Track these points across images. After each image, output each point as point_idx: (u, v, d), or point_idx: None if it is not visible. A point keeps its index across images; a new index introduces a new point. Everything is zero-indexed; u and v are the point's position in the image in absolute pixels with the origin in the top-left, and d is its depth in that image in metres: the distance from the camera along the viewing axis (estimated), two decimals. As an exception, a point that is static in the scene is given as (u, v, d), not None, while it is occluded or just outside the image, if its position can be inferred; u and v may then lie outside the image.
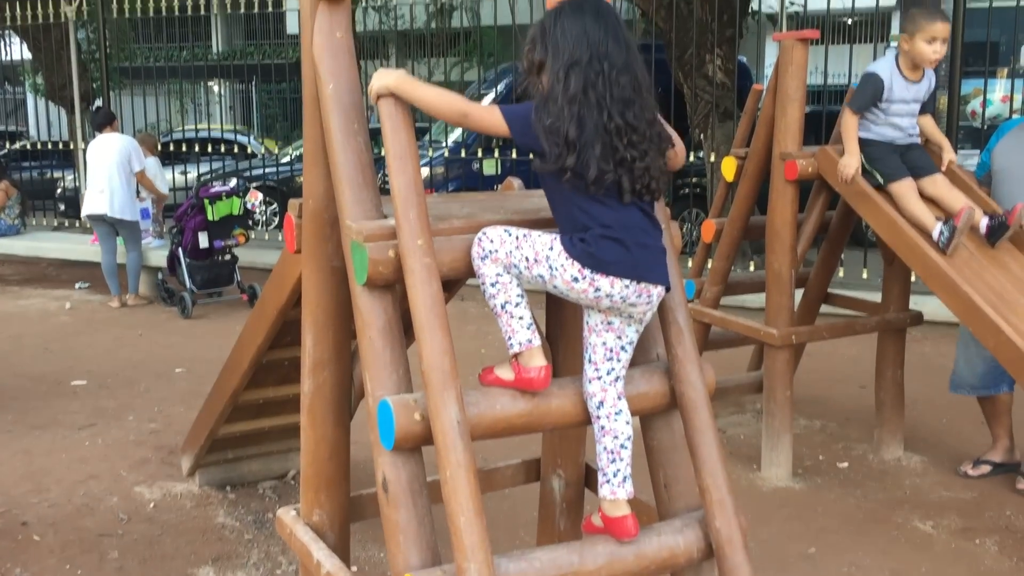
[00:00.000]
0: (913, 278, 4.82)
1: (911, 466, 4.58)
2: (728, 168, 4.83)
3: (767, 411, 4.43)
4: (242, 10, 9.79)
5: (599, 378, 2.27)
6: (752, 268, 8.12)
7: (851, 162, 4.00)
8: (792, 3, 9.25)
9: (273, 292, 3.18)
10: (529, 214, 2.41)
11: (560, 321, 2.75)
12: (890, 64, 3.99)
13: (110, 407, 5.51)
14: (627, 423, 2.26)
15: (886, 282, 4.68)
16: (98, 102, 11.67)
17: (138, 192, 8.51)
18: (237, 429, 4.03)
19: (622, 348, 2.28)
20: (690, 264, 5.44)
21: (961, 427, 5.05)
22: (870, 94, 3.98)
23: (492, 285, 2.23)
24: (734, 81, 9.44)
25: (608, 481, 2.26)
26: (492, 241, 2.23)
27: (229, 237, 8.09)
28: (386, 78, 2.24)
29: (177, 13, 9.99)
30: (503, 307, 2.23)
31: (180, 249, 8.02)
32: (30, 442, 4.95)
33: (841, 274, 7.58)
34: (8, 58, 12.82)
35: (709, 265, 5.17)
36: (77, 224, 11.32)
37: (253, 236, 8.89)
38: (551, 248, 2.19)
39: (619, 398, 2.27)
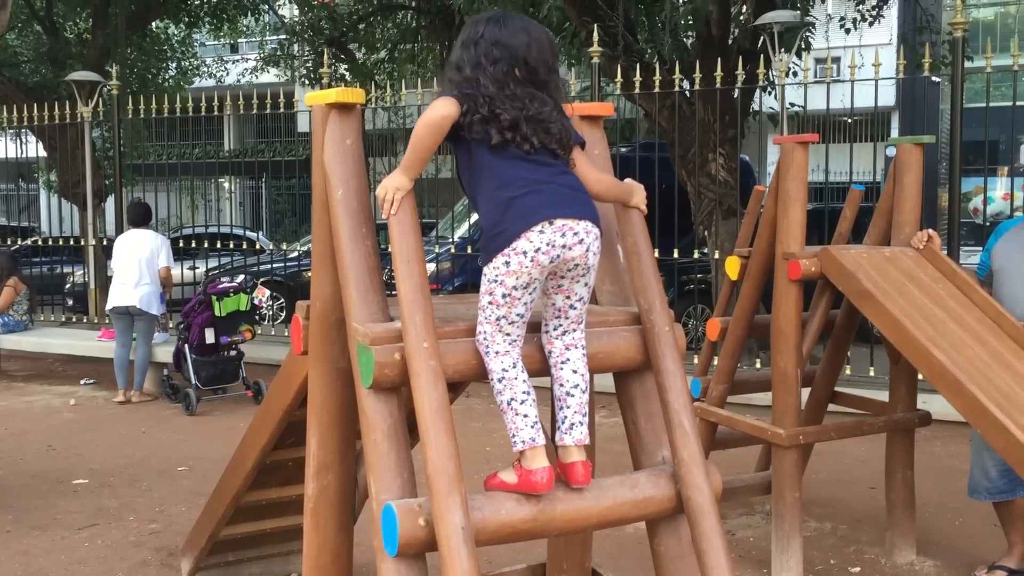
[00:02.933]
0: (920, 376, 4.80)
1: (924, 571, 4.48)
2: (732, 267, 4.87)
3: (776, 513, 4.36)
4: (254, 111, 10.01)
5: (546, 332, 2.41)
6: (759, 365, 8.10)
7: None
8: (792, 104, 9.45)
9: (279, 392, 3.18)
10: (535, 317, 2.43)
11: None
12: None
13: (111, 507, 5.45)
14: (573, 371, 2.36)
15: (893, 381, 4.66)
16: (123, 195, 11.85)
17: None
18: (239, 531, 3.97)
19: (571, 307, 2.38)
20: (695, 362, 5.43)
21: (975, 530, 4.96)
22: None
23: (499, 381, 2.29)
24: (737, 179, 9.59)
25: (559, 428, 2.35)
26: (482, 331, 2.34)
27: (235, 333, 8.12)
28: (395, 180, 2.33)
29: (191, 113, 10.23)
30: (509, 403, 2.27)
31: (186, 345, 8.04)
32: (29, 542, 4.88)
33: (848, 371, 7.54)
34: (24, 156, 13.06)
35: (715, 363, 5.16)
36: (84, 319, 11.39)
37: (259, 332, 8.92)
38: (485, 279, 2.31)
39: (567, 349, 2.38)
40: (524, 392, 2.27)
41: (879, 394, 5.12)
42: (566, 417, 2.34)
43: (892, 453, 4.64)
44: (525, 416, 2.25)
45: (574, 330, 2.39)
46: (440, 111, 2.30)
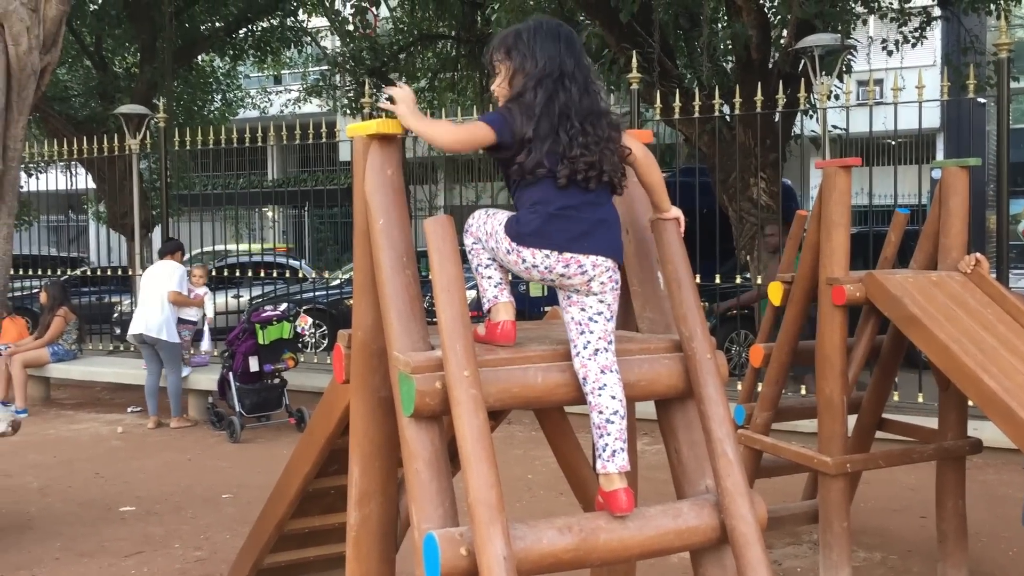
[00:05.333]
0: (970, 403, 4.70)
1: (978, 602, 4.38)
2: (775, 293, 4.82)
3: (824, 543, 4.28)
4: (297, 141, 10.15)
5: (578, 354, 2.40)
6: (803, 392, 7.99)
7: None
8: (834, 127, 9.38)
9: (321, 420, 3.20)
10: (564, 342, 2.42)
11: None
12: None
13: (157, 534, 5.50)
14: (612, 397, 2.35)
15: (942, 408, 4.57)
16: (154, 229, 12.06)
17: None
18: (282, 559, 3.98)
19: (590, 319, 2.42)
20: (739, 388, 5.37)
21: (1029, 560, 4.83)
22: None
23: (469, 252, 2.54)
24: (779, 203, 9.52)
25: (599, 456, 2.35)
26: (474, 218, 2.56)
27: (279, 361, 8.20)
28: (399, 105, 2.48)
29: (236, 145, 10.40)
30: (477, 268, 2.53)
31: (231, 373, 8.12)
32: (78, 569, 4.93)
33: (896, 397, 7.42)
34: (73, 188, 13.35)
35: (758, 390, 5.10)
36: (132, 348, 11.56)
37: (302, 359, 8.99)
38: (500, 224, 2.47)
39: (602, 372, 2.37)
40: (488, 259, 2.50)
41: (927, 421, 5.03)
42: (607, 445, 2.33)
43: (943, 481, 4.54)
44: (489, 278, 2.51)
45: (606, 350, 2.39)
46: (479, 139, 2.44)
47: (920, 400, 7.52)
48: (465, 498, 2.08)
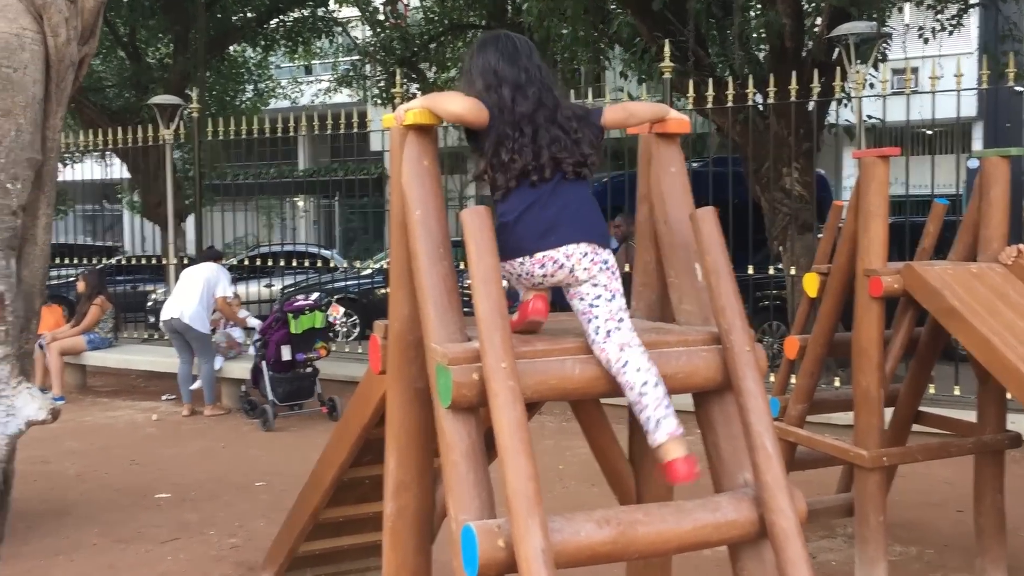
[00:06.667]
0: (1009, 396, 4.64)
1: (1017, 598, 4.32)
2: (811, 284, 4.77)
3: (859, 537, 4.24)
4: (328, 131, 10.18)
5: (593, 341, 2.42)
6: (837, 384, 7.91)
7: None
8: (870, 117, 9.26)
9: (357, 410, 3.21)
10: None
11: (644, 448, 2.70)
12: None
13: (193, 521, 5.56)
14: (637, 370, 2.34)
15: (981, 402, 4.51)
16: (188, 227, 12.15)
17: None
18: (317, 547, 4.01)
19: (591, 306, 2.45)
20: (772, 380, 5.33)
21: (1069, 556, 4.76)
22: None
23: None
24: (812, 194, 9.42)
25: (647, 432, 2.35)
26: None
27: (311, 350, 8.24)
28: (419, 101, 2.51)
29: (268, 135, 10.45)
30: None
31: (263, 362, 8.18)
32: (115, 556, 5.00)
33: (931, 390, 7.34)
34: (108, 177, 13.49)
35: (793, 381, 5.06)
36: (166, 336, 11.67)
37: (333, 348, 9.04)
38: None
39: (621, 350, 2.36)
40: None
41: (964, 414, 4.97)
42: (649, 417, 2.33)
43: (981, 476, 4.48)
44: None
45: (618, 328, 2.40)
46: (482, 112, 2.47)
47: (957, 393, 7.43)
48: (503, 490, 2.08)
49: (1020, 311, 3.93)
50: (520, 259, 2.47)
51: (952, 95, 7.41)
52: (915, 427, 4.89)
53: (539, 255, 2.46)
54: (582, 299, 2.47)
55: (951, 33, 11.88)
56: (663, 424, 2.31)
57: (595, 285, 2.46)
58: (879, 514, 4.21)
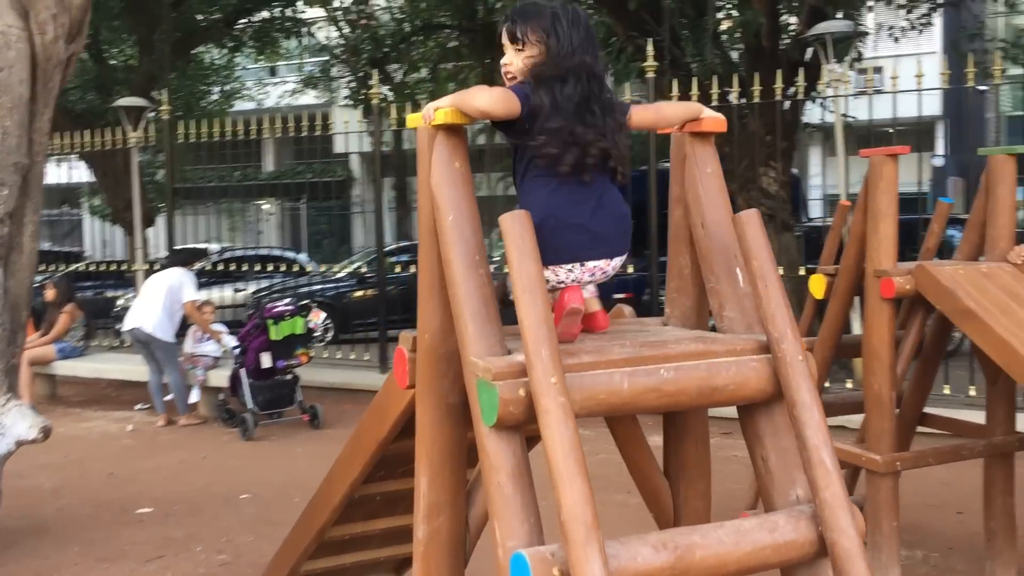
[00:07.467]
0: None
1: (1029, 601, 4.27)
2: (817, 286, 4.70)
3: (872, 544, 4.16)
4: (296, 133, 10.00)
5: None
6: (849, 385, 7.82)
7: None
8: (844, 116, 9.24)
9: (372, 424, 3.06)
10: (658, 347, 2.28)
11: (681, 462, 2.59)
12: None
13: (177, 537, 5.36)
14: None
15: (990, 403, 4.45)
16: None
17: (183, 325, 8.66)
18: (319, 566, 3.84)
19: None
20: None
21: (1076, 557, 4.73)
22: None
23: None
24: (789, 193, 9.41)
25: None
26: None
27: (292, 357, 8.05)
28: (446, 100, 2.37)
29: (231, 137, 10.24)
30: None
31: (242, 369, 7.96)
32: (98, 576, 4.80)
33: (946, 391, 7.35)
34: (69, 181, 13.16)
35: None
36: (128, 344, 11.38)
37: (312, 354, 8.83)
38: None
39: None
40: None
41: (958, 413, 4.92)
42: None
43: (991, 478, 4.43)
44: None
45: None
46: (511, 104, 2.32)
47: (946, 392, 7.43)
48: (557, 515, 1.95)
49: (1036, 311, 3.88)
50: (551, 269, 2.35)
51: (917, 95, 7.45)
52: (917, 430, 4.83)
53: (590, 264, 2.39)
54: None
55: (920, 32, 11.96)
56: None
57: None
58: (892, 520, 4.14)
